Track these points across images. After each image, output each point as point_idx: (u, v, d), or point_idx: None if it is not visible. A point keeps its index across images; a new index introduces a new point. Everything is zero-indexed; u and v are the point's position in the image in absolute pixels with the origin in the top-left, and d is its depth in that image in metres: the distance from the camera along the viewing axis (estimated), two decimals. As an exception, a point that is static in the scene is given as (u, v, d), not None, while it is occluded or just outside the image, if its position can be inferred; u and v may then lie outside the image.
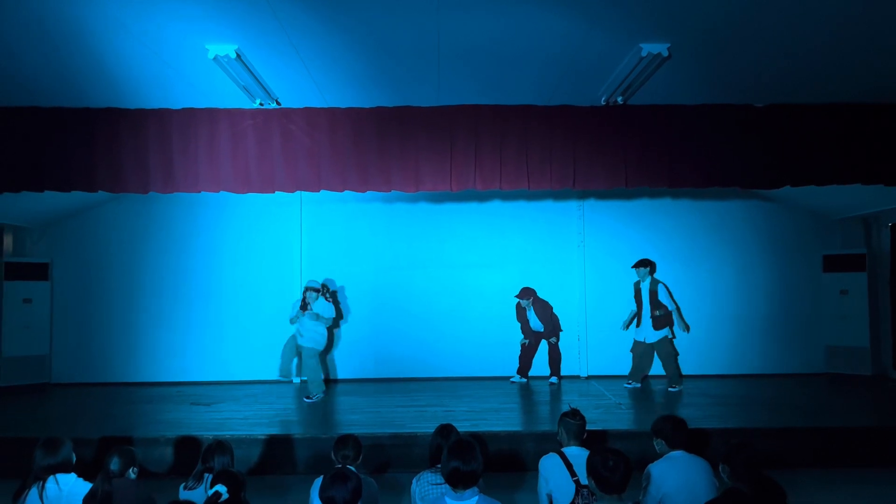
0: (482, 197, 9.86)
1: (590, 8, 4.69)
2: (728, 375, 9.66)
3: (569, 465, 3.91)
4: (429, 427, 5.94)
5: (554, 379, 9.32)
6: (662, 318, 8.79)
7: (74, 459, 3.96)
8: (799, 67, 5.84)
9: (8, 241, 9.68)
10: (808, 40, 5.23)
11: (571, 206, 10.08)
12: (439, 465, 3.64)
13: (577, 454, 3.98)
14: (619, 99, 6.43)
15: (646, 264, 8.96)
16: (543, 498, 3.99)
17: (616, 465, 3.11)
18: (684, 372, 9.71)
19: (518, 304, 9.37)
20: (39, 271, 9.67)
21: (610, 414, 7.28)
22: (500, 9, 4.69)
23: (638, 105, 6.71)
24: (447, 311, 9.82)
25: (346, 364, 9.83)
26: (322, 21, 4.85)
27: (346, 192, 6.85)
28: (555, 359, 9.38)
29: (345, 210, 9.97)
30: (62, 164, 6.61)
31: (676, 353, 9.04)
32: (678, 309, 8.99)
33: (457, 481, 3.17)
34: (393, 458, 6.30)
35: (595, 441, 5.02)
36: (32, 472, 3.79)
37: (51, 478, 3.75)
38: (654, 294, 8.83)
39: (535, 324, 9.35)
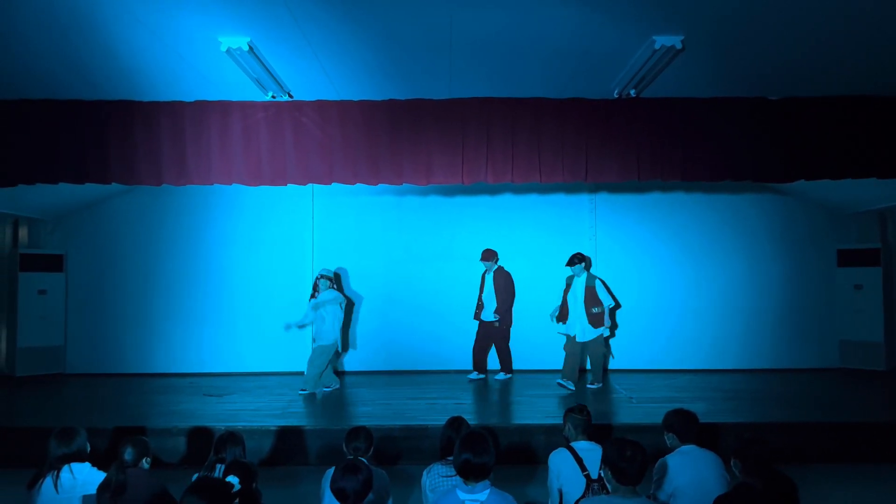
0: (493, 190, 9.84)
1: (603, 0, 4.66)
2: (740, 370, 9.60)
3: (579, 460, 3.91)
4: (439, 419, 5.94)
5: (501, 375, 9.03)
6: (599, 316, 8.38)
7: (89, 449, 4.00)
8: (814, 60, 5.78)
9: (23, 232, 9.77)
10: (823, 32, 5.17)
11: (583, 200, 10.04)
12: (450, 458, 3.65)
13: (587, 448, 3.98)
14: (632, 92, 6.39)
15: (581, 259, 8.51)
16: (554, 493, 3.99)
17: (634, 455, 3.09)
18: (696, 366, 9.71)
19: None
20: (54, 263, 9.76)
21: (621, 408, 7.27)
22: (513, 1, 4.67)
23: (651, 98, 6.66)
24: (458, 304, 9.80)
25: (356, 356, 9.85)
26: (335, 14, 4.84)
27: (358, 184, 6.85)
28: (502, 348, 9.10)
29: (356, 203, 9.99)
30: (76, 157, 6.65)
31: (608, 354, 8.89)
32: (617, 306, 8.82)
33: (468, 473, 3.17)
34: (404, 450, 6.32)
35: (604, 435, 5.02)
36: (47, 461, 3.83)
37: (65, 467, 3.79)
38: (591, 290, 8.40)
39: (490, 298, 9.05)
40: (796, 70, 6.04)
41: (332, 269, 9.65)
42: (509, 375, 9.06)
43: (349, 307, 9.42)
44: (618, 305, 8.94)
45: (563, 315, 8.55)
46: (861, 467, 6.08)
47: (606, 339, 8.78)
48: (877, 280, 9.51)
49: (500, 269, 9.20)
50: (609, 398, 7.80)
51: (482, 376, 9.11)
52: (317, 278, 8.58)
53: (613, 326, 8.71)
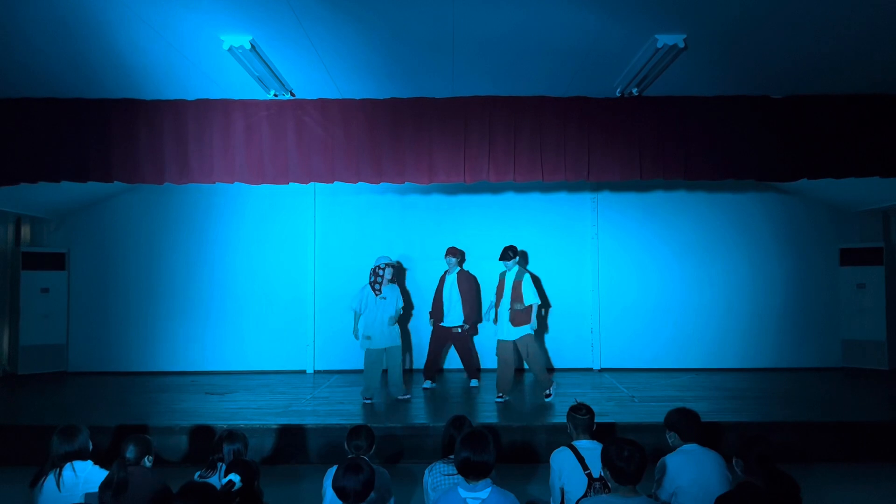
0: (496, 189, 9.84)
1: (606, -2, 4.66)
2: (743, 369, 9.61)
3: (580, 459, 3.91)
4: (441, 418, 5.95)
5: (474, 382, 8.63)
6: (523, 313, 7.53)
7: (91, 447, 4.01)
8: (817, 58, 5.76)
9: (25, 231, 9.79)
10: (827, 30, 5.16)
11: (585, 199, 10.04)
12: (452, 456, 3.65)
13: (589, 447, 3.98)
14: (635, 90, 6.38)
15: (514, 253, 7.71)
16: (556, 491, 3.99)
17: (631, 455, 3.09)
18: (698, 365, 9.70)
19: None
20: (56, 261, 9.78)
21: (623, 407, 7.26)
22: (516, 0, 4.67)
23: (653, 96, 6.65)
24: (460, 303, 9.81)
25: (358, 354, 9.83)
26: (337, 12, 4.84)
27: (360, 183, 6.85)
28: (469, 354, 8.78)
29: (358, 201, 9.99)
30: (78, 155, 6.65)
31: (544, 352, 7.72)
32: (544, 305, 7.79)
33: (468, 472, 3.17)
34: (406, 448, 6.33)
35: (606, 434, 5.02)
36: (50, 458, 3.84)
37: (67, 465, 3.79)
38: (517, 284, 7.58)
39: (453, 301, 8.63)
40: (800, 68, 6.02)
41: (334, 265, 9.67)
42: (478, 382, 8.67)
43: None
44: (545, 305, 8.23)
45: (496, 316, 7.83)
46: (863, 467, 6.07)
47: (534, 338, 7.69)
48: (879, 279, 9.50)
49: (465, 272, 8.83)
50: (611, 397, 7.78)
51: (435, 385, 8.57)
52: (384, 267, 7.80)
53: (541, 328, 7.78)
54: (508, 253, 7.74)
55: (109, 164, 6.65)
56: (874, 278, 9.53)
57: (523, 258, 7.95)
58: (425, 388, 8.38)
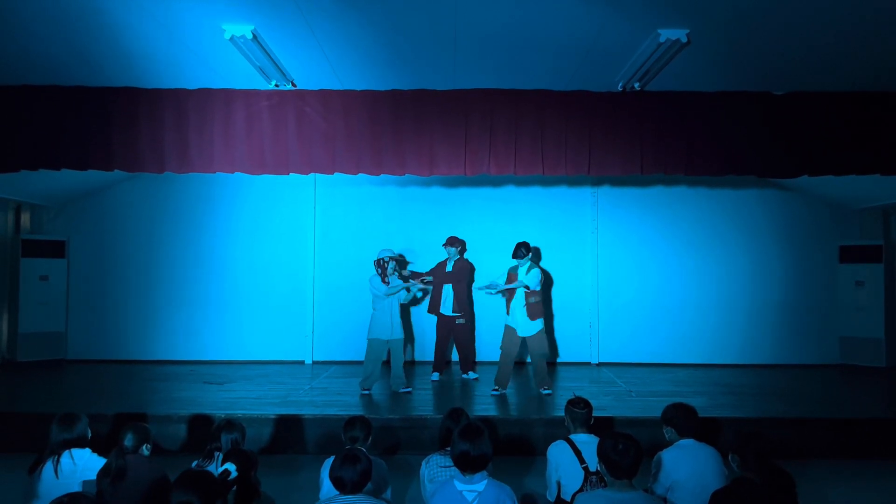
0: (496, 182, 9.83)
1: (609, -8, 4.65)
2: (741, 365, 9.62)
3: (577, 452, 3.92)
4: (439, 410, 5.96)
5: (472, 374, 8.66)
6: (537, 307, 7.52)
7: (90, 435, 4.02)
8: (820, 55, 5.75)
9: (25, 218, 9.79)
10: (830, 27, 5.15)
11: (586, 193, 10.03)
12: (449, 448, 3.66)
13: (586, 441, 3.99)
14: (637, 85, 6.36)
15: (527, 250, 7.67)
16: (552, 484, 4.01)
17: (626, 449, 3.10)
18: (698, 361, 9.73)
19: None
20: (56, 249, 9.77)
21: (620, 401, 7.27)
22: (518, -8, 4.66)
23: (655, 91, 6.64)
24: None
25: (357, 346, 9.84)
26: (339, 2, 4.83)
27: (360, 174, 6.84)
28: (468, 347, 8.80)
29: (358, 193, 9.98)
30: (79, 143, 6.64)
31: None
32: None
33: (465, 465, 3.19)
34: (403, 440, 6.34)
35: (604, 428, 5.03)
36: (48, 446, 3.85)
37: (66, 452, 3.81)
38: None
39: (446, 291, 8.61)
40: (802, 65, 6.01)
41: (333, 257, 9.66)
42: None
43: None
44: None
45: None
46: (860, 463, 6.08)
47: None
48: (878, 276, 9.52)
49: (463, 260, 8.83)
50: (609, 391, 7.80)
51: (442, 377, 8.59)
52: (388, 260, 7.72)
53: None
54: (521, 250, 7.64)
55: (110, 152, 6.64)
56: (873, 276, 9.54)
57: (536, 254, 7.82)
58: (434, 381, 8.41)
